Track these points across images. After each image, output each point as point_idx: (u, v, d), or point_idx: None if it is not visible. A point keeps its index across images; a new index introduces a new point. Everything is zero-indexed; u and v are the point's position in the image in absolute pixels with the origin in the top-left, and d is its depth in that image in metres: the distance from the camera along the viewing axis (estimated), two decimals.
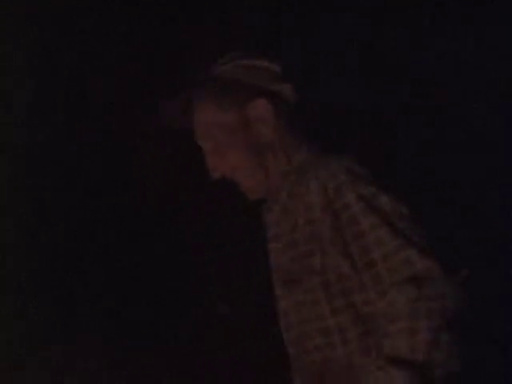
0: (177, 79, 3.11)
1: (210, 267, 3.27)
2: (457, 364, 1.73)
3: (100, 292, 3.20)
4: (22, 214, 3.18)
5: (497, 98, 3.10)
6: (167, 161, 3.27)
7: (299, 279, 1.87)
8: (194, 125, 1.98)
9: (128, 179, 3.28)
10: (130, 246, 3.27)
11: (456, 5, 3.07)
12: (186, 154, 2.72)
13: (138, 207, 3.29)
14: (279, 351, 2.01)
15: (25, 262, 3.15)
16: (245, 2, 3.20)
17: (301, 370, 1.94)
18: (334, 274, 1.83)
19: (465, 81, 3.09)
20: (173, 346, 3.24)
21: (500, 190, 3.06)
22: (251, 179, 1.95)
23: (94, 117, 3.24)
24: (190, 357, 3.25)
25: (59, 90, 3.22)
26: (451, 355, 1.71)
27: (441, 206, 3.01)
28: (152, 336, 3.24)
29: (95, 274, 3.23)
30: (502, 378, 2.79)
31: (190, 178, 3.15)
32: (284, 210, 1.93)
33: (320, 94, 3.02)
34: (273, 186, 1.96)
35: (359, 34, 3.13)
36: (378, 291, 1.77)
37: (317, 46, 3.12)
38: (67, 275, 3.22)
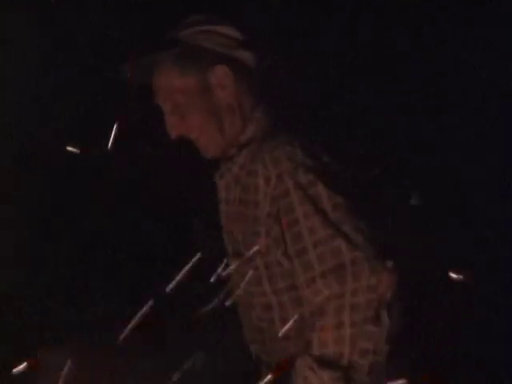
0: None
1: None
2: (384, 352, 1.81)
3: (101, 290, 3.21)
4: (23, 214, 3.19)
5: (497, 97, 3.10)
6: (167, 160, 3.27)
7: (247, 256, 1.95)
8: (154, 87, 2.04)
9: (128, 178, 3.28)
10: (130, 246, 3.27)
11: (456, 5, 3.07)
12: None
13: (137, 206, 3.29)
14: None
15: (24, 261, 3.16)
16: (244, 1, 3.20)
17: (247, 327, 2.06)
18: (274, 257, 1.92)
19: (465, 81, 3.09)
20: (172, 344, 3.24)
21: (500, 190, 3.06)
22: (208, 138, 2.01)
23: (95, 112, 3.24)
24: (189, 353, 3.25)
25: (59, 89, 3.22)
26: (379, 344, 1.80)
27: (441, 206, 3.01)
28: (152, 335, 3.24)
29: (95, 273, 3.24)
30: (503, 377, 2.80)
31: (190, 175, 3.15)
32: (236, 181, 2.00)
33: (319, 93, 3.02)
34: (228, 151, 2.03)
35: (359, 33, 3.14)
36: (307, 278, 1.84)
37: (316, 45, 3.12)
38: (67, 273, 3.22)
